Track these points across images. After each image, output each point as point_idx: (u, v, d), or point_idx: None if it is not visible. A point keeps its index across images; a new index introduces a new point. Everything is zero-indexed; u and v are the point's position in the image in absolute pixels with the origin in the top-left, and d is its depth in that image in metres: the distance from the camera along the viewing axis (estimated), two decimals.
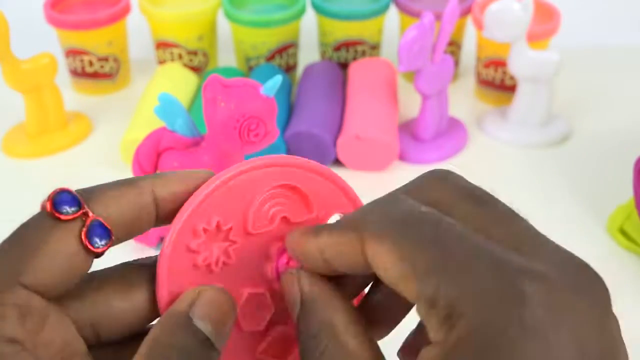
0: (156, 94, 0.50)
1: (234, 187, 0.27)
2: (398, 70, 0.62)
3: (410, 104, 0.71)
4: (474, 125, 0.71)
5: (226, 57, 0.79)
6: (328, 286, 0.25)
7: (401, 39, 0.59)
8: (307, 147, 0.63)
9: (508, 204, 0.24)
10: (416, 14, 0.70)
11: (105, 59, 0.74)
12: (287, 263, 0.27)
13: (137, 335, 0.25)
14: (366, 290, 0.28)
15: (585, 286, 0.21)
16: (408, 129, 0.68)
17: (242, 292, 0.27)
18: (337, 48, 0.75)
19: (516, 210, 0.23)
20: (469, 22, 0.74)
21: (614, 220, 0.57)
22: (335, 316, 0.24)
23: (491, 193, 0.24)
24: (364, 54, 0.75)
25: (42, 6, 0.71)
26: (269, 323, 0.28)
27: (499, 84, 0.73)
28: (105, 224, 0.25)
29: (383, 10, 0.73)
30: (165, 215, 0.26)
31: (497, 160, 0.67)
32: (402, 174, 0.63)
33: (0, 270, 0.23)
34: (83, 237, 0.24)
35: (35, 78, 0.64)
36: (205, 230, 0.26)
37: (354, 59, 0.75)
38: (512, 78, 0.71)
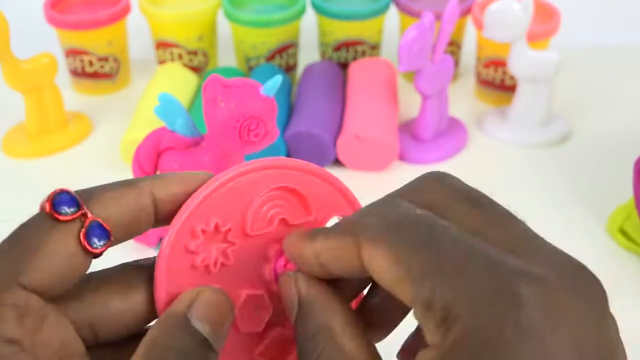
0: (156, 94, 0.50)
1: (233, 189, 0.27)
2: (398, 70, 0.62)
3: (410, 104, 0.71)
4: (474, 125, 0.71)
5: (226, 57, 0.79)
6: (325, 289, 0.26)
7: (401, 39, 0.59)
8: (307, 147, 0.63)
9: (505, 206, 0.24)
10: (416, 14, 0.70)
11: (105, 59, 0.74)
12: (285, 265, 0.27)
13: (135, 336, 0.25)
14: (364, 292, 0.28)
15: (582, 288, 0.21)
16: (408, 129, 0.68)
17: (240, 293, 0.27)
18: (337, 48, 0.75)
19: (513, 213, 0.23)
20: (469, 22, 0.74)
21: (614, 220, 0.57)
22: (332, 318, 0.24)
23: (488, 195, 0.24)
24: (364, 54, 0.75)
25: (42, 6, 0.71)
26: (267, 325, 0.28)
27: (499, 84, 0.73)
28: (104, 225, 0.25)
29: (383, 10, 0.73)
30: (164, 217, 0.26)
31: (497, 160, 0.67)
32: (402, 174, 0.63)
33: None
34: (82, 237, 0.24)
35: (35, 78, 0.64)
36: (203, 231, 0.26)
37: (354, 59, 0.75)
38: (512, 78, 0.71)
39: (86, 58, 0.73)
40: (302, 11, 0.73)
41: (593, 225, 0.58)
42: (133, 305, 0.26)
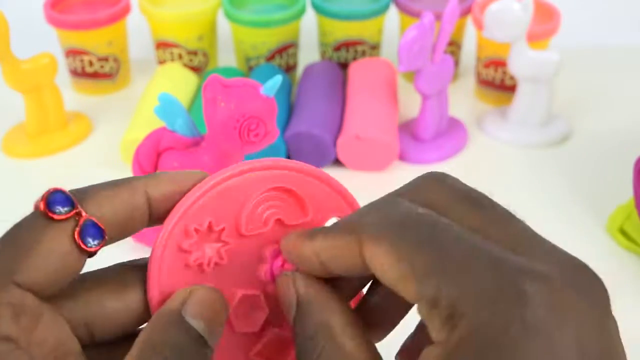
0: (156, 94, 0.50)
1: (227, 189, 0.27)
2: (398, 70, 0.62)
3: (410, 104, 0.71)
4: (474, 125, 0.71)
5: (226, 57, 0.79)
6: (324, 288, 0.25)
7: (401, 39, 0.59)
8: (307, 147, 0.63)
9: (505, 206, 0.24)
10: (416, 14, 0.70)
11: (105, 59, 0.74)
12: (282, 265, 0.27)
13: (131, 336, 0.25)
14: (364, 291, 0.28)
15: (585, 286, 0.21)
16: (408, 129, 0.68)
17: (236, 293, 0.27)
18: (337, 48, 0.75)
19: (513, 212, 0.23)
20: (469, 22, 0.74)
21: (614, 220, 0.57)
22: (332, 318, 0.24)
23: (488, 195, 0.24)
24: (364, 54, 0.75)
25: (42, 6, 0.71)
26: (263, 325, 0.28)
27: (499, 84, 0.73)
28: (99, 224, 0.25)
29: (383, 10, 0.73)
30: (158, 216, 0.26)
31: (497, 160, 0.67)
32: (402, 174, 0.63)
33: None
34: (76, 236, 0.24)
35: (35, 78, 0.64)
36: (196, 230, 0.26)
37: (354, 59, 0.75)
38: (512, 78, 0.71)
39: (86, 58, 0.73)
40: (302, 11, 0.73)
41: (593, 225, 0.58)
42: (128, 304, 0.26)
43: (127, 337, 0.25)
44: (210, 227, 0.27)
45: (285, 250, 0.27)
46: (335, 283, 0.26)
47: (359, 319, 0.25)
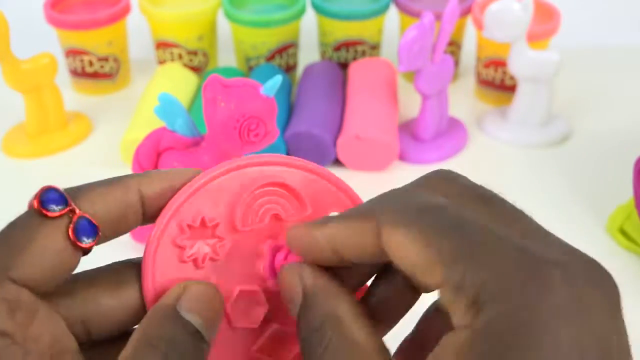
0: (156, 94, 0.50)
1: (221, 185, 0.27)
2: (398, 70, 0.62)
3: (410, 104, 0.71)
4: (474, 125, 0.71)
5: (226, 57, 0.79)
6: (331, 279, 0.25)
7: (401, 39, 0.59)
8: (307, 147, 0.63)
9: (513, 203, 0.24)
10: (416, 14, 0.70)
11: (105, 59, 0.74)
12: (286, 257, 0.27)
13: (127, 334, 0.25)
14: (368, 284, 0.28)
15: (597, 280, 0.21)
16: (408, 129, 0.68)
17: (233, 288, 0.27)
18: (337, 48, 0.75)
19: (522, 209, 0.24)
20: (469, 22, 0.74)
21: (614, 220, 0.57)
22: (340, 308, 0.24)
23: (497, 193, 0.24)
24: (364, 54, 0.75)
25: (42, 6, 0.71)
26: (263, 321, 0.28)
27: (499, 84, 0.73)
28: (92, 220, 0.25)
29: (383, 10, 0.73)
30: (152, 214, 0.27)
31: (497, 160, 0.67)
32: (402, 174, 0.63)
33: None
34: (70, 233, 0.24)
35: (35, 78, 0.64)
36: (189, 226, 0.26)
37: (354, 59, 0.75)
38: (512, 78, 0.71)
39: (86, 58, 0.73)
40: (302, 11, 0.73)
41: (593, 225, 0.58)
42: (125, 301, 0.26)
43: (124, 335, 0.25)
44: (203, 223, 0.27)
45: (293, 239, 0.26)
46: (339, 275, 0.26)
47: (366, 310, 0.25)
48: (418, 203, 0.23)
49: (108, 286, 0.26)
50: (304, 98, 0.68)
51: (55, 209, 0.24)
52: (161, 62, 0.76)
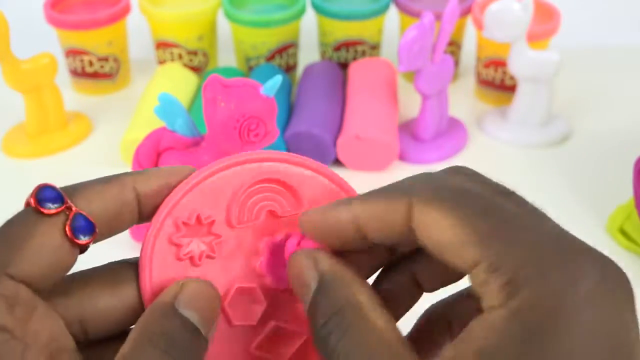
0: (156, 94, 0.50)
1: (216, 182, 0.27)
2: (398, 70, 0.62)
3: (410, 104, 0.71)
4: (474, 125, 0.71)
5: (226, 57, 0.79)
6: (348, 266, 0.25)
7: (401, 39, 0.59)
8: (307, 147, 0.63)
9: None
10: (416, 14, 0.70)
11: (105, 59, 0.74)
12: (299, 244, 0.27)
13: (126, 333, 0.25)
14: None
15: (616, 274, 0.22)
16: (408, 129, 0.68)
17: (231, 285, 0.28)
18: (337, 48, 0.75)
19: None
20: (469, 22, 0.74)
21: (614, 220, 0.57)
22: (359, 293, 0.24)
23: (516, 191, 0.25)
24: (364, 54, 0.75)
25: (42, 6, 0.71)
26: (262, 319, 0.28)
27: (499, 84, 0.73)
28: (89, 217, 0.25)
29: (383, 10, 0.73)
30: (148, 212, 0.27)
31: (497, 160, 0.67)
32: (402, 174, 0.62)
33: None
34: (67, 230, 0.24)
35: (35, 78, 0.64)
36: (185, 223, 0.27)
37: (354, 59, 0.75)
38: (512, 78, 0.71)
39: (86, 58, 0.73)
40: (302, 11, 0.73)
41: (593, 225, 0.58)
42: (122, 300, 0.26)
43: (122, 335, 0.26)
44: (199, 220, 0.27)
45: (309, 221, 0.26)
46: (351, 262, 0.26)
47: (382, 299, 0.25)
48: (451, 185, 0.24)
49: (105, 285, 0.26)
50: (304, 98, 0.68)
51: (52, 207, 0.24)
52: (161, 62, 0.76)
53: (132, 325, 0.26)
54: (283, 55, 0.74)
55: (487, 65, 0.73)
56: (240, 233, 0.28)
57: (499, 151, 0.68)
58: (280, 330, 0.28)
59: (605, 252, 0.22)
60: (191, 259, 0.27)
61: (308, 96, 0.68)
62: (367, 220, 0.24)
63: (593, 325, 0.20)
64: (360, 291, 0.24)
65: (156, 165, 0.50)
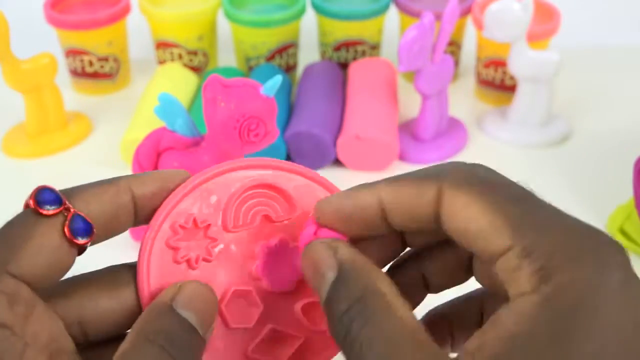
0: (156, 94, 0.50)
1: (212, 187, 0.28)
2: (398, 70, 0.62)
3: (410, 104, 0.71)
4: (474, 125, 0.71)
5: (226, 57, 0.79)
6: (367, 258, 0.25)
7: (401, 39, 0.59)
8: (307, 147, 0.63)
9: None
10: (416, 14, 0.70)
11: (105, 59, 0.74)
12: (315, 233, 0.27)
13: (124, 336, 0.25)
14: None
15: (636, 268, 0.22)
16: (408, 129, 0.68)
17: (227, 288, 0.28)
18: (337, 48, 0.75)
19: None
20: (469, 22, 0.74)
21: (614, 220, 0.57)
22: (380, 283, 0.24)
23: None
24: (364, 54, 0.75)
25: (42, 6, 0.71)
26: (259, 322, 0.28)
27: (499, 84, 0.73)
28: (87, 218, 0.25)
29: (383, 10, 0.73)
30: (144, 215, 0.27)
31: (497, 160, 0.66)
32: None
33: None
34: (65, 230, 0.25)
35: (35, 78, 0.64)
36: (182, 227, 0.27)
37: (354, 59, 0.75)
38: (512, 78, 0.71)
39: (86, 58, 0.73)
40: (302, 11, 0.73)
41: (593, 225, 0.58)
42: (121, 302, 0.26)
43: (120, 337, 0.26)
44: (195, 224, 0.27)
45: (332, 203, 0.26)
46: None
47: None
48: (480, 173, 0.24)
49: (105, 287, 0.26)
50: (304, 98, 0.68)
51: (50, 208, 0.25)
52: (161, 62, 0.76)
53: (131, 326, 0.26)
54: (283, 55, 0.74)
55: (487, 65, 0.73)
56: (236, 237, 0.28)
57: (499, 151, 0.68)
58: (277, 333, 0.29)
59: None
60: (188, 262, 0.27)
61: (308, 96, 0.68)
62: (394, 203, 0.24)
63: (625, 313, 0.20)
64: (380, 280, 0.24)
65: (156, 165, 0.50)
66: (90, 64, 0.74)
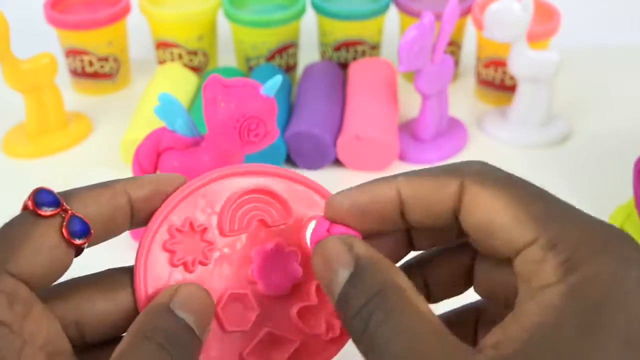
0: (156, 94, 0.50)
1: (209, 192, 0.28)
2: (398, 70, 0.62)
3: (410, 104, 0.71)
4: (474, 125, 0.71)
5: (226, 57, 0.79)
6: (383, 255, 0.25)
7: (401, 39, 0.59)
8: (307, 147, 0.63)
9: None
10: (416, 14, 0.70)
11: (105, 59, 0.74)
12: (328, 230, 0.27)
13: (121, 338, 0.26)
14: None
15: None
16: (408, 129, 0.68)
17: (224, 292, 0.28)
18: (337, 48, 0.75)
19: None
20: (469, 22, 0.74)
21: (614, 220, 0.57)
22: (399, 278, 0.24)
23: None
24: (364, 54, 0.75)
25: (42, 6, 0.71)
26: (255, 325, 0.29)
27: (499, 84, 0.73)
28: (84, 219, 0.26)
29: (383, 10, 0.73)
30: (141, 217, 0.27)
31: (497, 160, 0.65)
32: None
33: None
34: (63, 231, 0.25)
35: (35, 78, 0.64)
36: (179, 230, 0.27)
37: (354, 59, 0.75)
38: (512, 78, 0.71)
39: (86, 58, 0.73)
40: (302, 11, 0.73)
41: None
42: (118, 305, 0.27)
43: (117, 340, 0.26)
44: (192, 228, 0.28)
45: (348, 196, 0.26)
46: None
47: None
48: (499, 171, 0.25)
49: (102, 290, 0.27)
50: (304, 98, 0.68)
51: (48, 210, 0.25)
52: (161, 62, 0.76)
53: (127, 330, 0.27)
54: (283, 55, 0.74)
55: (487, 65, 0.73)
56: (232, 241, 0.28)
57: (499, 151, 0.68)
58: (273, 336, 0.29)
59: None
60: (184, 264, 0.28)
61: (308, 96, 0.68)
62: (414, 197, 0.25)
63: None
64: (399, 275, 0.24)
65: (156, 165, 0.50)
66: (90, 64, 0.74)
